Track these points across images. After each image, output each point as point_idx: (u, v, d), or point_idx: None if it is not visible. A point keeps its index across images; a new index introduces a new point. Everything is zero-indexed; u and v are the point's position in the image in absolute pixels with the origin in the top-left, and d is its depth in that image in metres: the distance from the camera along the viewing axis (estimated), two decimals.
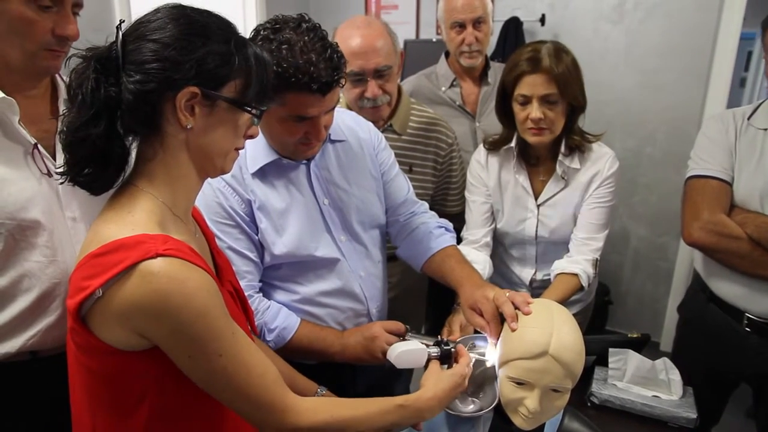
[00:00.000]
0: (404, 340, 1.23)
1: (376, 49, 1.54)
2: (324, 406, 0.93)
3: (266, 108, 0.91)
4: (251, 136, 0.92)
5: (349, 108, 1.69)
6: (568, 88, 1.47)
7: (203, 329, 0.79)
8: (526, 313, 1.07)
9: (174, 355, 0.81)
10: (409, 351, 1.16)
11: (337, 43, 1.15)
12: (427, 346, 1.15)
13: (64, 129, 0.80)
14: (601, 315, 3.19)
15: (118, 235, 0.78)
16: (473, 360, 1.13)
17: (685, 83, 2.83)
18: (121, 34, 0.80)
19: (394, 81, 1.63)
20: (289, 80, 1.07)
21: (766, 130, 1.48)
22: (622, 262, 3.21)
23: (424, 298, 1.99)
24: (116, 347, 0.80)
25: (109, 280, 0.75)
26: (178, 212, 0.88)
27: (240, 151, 1.24)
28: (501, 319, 1.13)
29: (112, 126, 0.80)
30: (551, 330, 1.02)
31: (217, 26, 0.84)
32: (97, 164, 0.81)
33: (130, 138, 0.84)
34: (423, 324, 2.08)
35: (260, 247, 1.26)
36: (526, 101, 1.49)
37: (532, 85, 1.47)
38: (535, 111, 1.47)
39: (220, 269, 1.01)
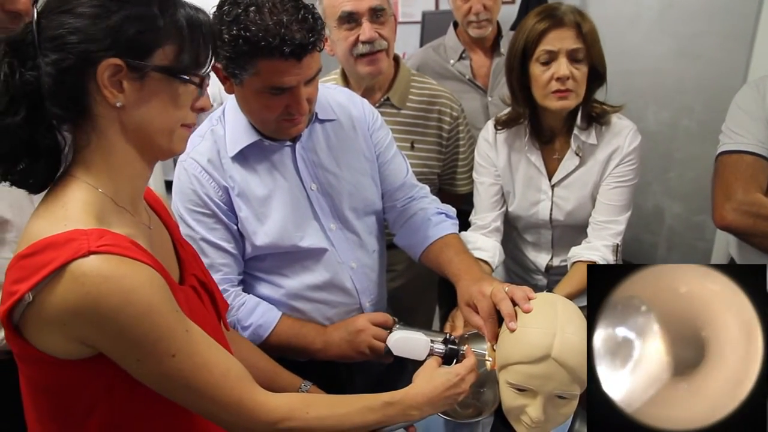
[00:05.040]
0: (394, 331, 1.14)
1: None
2: (299, 403, 0.86)
3: (205, 74, 0.82)
4: (202, 109, 0.83)
5: (345, 81, 1.58)
6: (595, 47, 1.35)
7: (149, 328, 0.72)
8: (526, 311, 0.95)
9: (121, 361, 0.74)
10: (409, 338, 1.08)
11: (313, 5, 1.04)
12: (433, 341, 1.06)
13: None
14: None
15: (47, 232, 0.71)
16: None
17: (726, 49, 2.58)
18: (35, 11, 0.71)
19: (391, 28, 1.49)
20: (258, 45, 0.98)
21: None
22: (656, 242, 3.01)
23: (435, 286, 1.87)
24: (56, 356, 0.73)
25: (39, 283, 0.68)
26: (122, 202, 0.79)
27: (219, 133, 1.17)
28: (499, 317, 1.01)
29: (35, 114, 0.72)
30: (554, 330, 0.91)
31: None
32: (28, 158, 0.74)
33: (65, 126, 0.76)
34: (434, 314, 1.97)
35: (240, 238, 1.18)
36: (552, 58, 1.34)
37: (559, 39, 1.33)
38: (563, 67, 1.32)
39: (183, 262, 0.93)
